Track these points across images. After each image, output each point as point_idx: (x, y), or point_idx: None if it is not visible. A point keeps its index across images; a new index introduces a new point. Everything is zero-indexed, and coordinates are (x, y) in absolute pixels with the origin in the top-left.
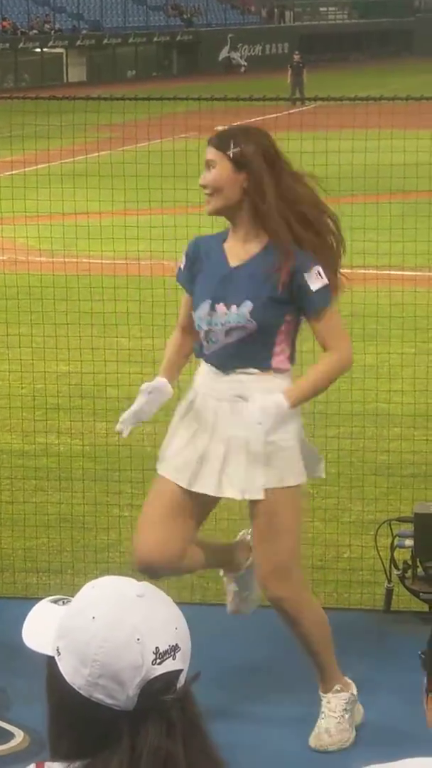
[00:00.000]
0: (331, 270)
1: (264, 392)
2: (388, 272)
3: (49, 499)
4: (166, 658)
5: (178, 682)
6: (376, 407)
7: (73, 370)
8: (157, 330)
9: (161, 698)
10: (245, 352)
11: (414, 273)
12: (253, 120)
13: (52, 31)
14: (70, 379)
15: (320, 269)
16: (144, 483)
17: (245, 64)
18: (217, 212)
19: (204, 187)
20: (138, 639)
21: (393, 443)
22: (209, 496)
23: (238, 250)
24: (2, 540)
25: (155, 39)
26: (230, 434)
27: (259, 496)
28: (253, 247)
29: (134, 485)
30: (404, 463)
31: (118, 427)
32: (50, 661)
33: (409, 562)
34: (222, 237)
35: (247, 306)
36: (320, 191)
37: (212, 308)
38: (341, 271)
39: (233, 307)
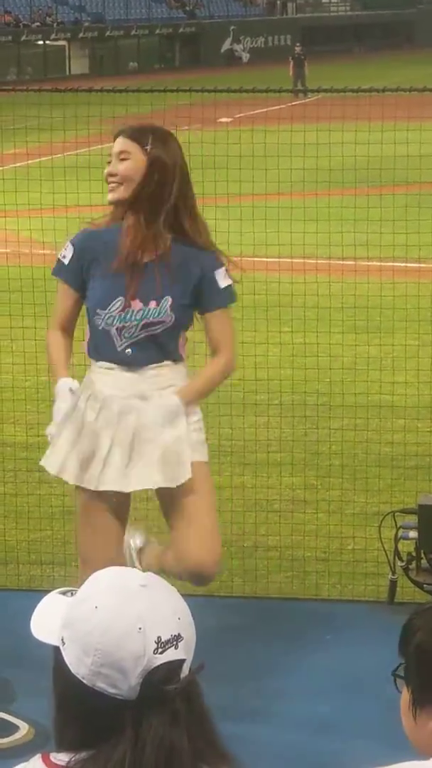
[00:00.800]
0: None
1: (174, 382)
2: (391, 264)
3: (53, 492)
4: (168, 648)
5: (181, 672)
6: (380, 399)
7: (76, 363)
8: None
9: (164, 688)
10: (161, 346)
11: (418, 265)
12: (256, 112)
13: (55, 24)
14: (74, 371)
15: (226, 270)
16: None
17: (248, 55)
18: (117, 203)
19: (113, 175)
20: (140, 628)
21: (397, 435)
22: (124, 499)
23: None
24: (6, 532)
25: (158, 31)
26: (151, 428)
27: (189, 474)
28: (157, 242)
29: None
30: (408, 454)
31: (52, 430)
32: (56, 651)
33: (413, 554)
34: (115, 233)
35: (168, 301)
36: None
37: (126, 304)
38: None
39: (152, 303)
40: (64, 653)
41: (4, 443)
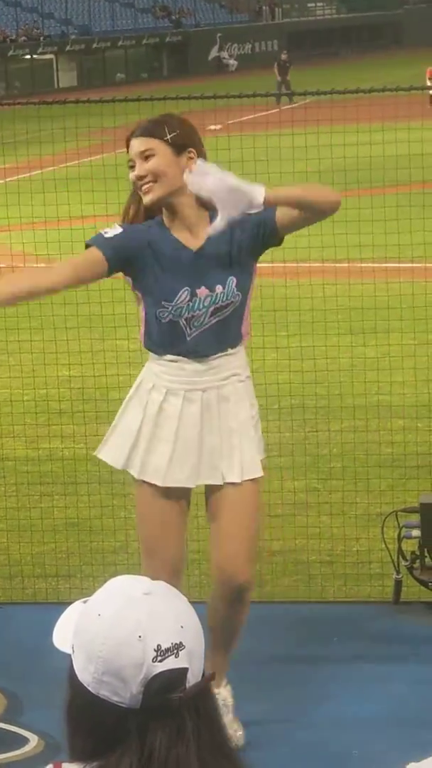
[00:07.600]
0: None
1: (241, 369)
2: (385, 265)
3: (56, 504)
4: (168, 656)
5: (185, 681)
6: (378, 399)
7: (75, 375)
8: None
9: (168, 697)
10: (227, 331)
11: (411, 264)
12: (245, 118)
13: (41, 38)
14: (73, 383)
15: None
16: None
17: (235, 63)
18: (159, 201)
19: (141, 178)
20: (140, 636)
21: (397, 435)
22: (186, 493)
23: (189, 235)
24: (11, 546)
25: (144, 41)
26: (223, 422)
27: (260, 472)
28: (202, 228)
29: None
30: (409, 454)
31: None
32: (69, 659)
33: (417, 553)
34: (159, 227)
35: (233, 281)
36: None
37: (192, 294)
38: None
39: (218, 287)
40: (74, 661)
41: (5, 458)
